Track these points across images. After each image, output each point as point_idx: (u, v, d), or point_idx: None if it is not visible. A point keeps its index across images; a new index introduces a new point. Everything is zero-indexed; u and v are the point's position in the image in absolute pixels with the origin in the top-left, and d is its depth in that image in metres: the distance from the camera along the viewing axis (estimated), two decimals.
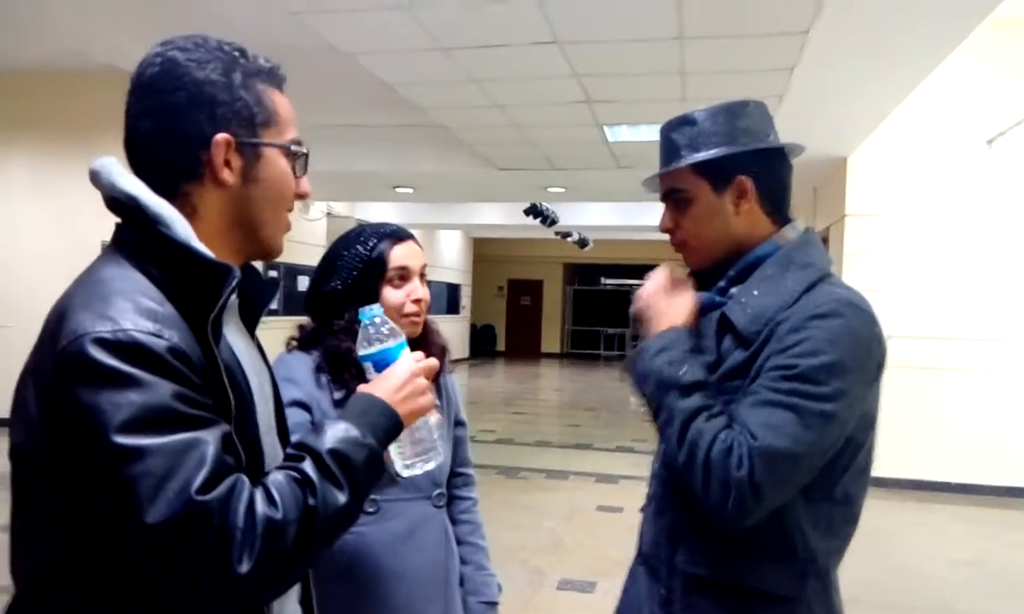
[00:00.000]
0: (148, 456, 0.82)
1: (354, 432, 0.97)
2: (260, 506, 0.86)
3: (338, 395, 1.55)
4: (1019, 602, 4.38)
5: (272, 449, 1.07)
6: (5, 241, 8.03)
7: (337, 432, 0.96)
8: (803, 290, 1.27)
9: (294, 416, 1.46)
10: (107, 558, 0.88)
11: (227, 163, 0.98)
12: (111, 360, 0.83)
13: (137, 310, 0.88)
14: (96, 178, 0.99)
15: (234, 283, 0.95)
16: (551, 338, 22.34)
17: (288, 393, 1.48)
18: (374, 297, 1.58)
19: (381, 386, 1.06)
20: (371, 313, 1.14)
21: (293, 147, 1.04)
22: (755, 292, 1.30)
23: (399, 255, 1.62)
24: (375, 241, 1.62)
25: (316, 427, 0.99)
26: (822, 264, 1.34)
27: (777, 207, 1.37)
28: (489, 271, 21.42)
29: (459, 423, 1.81)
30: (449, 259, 18.16)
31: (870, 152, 6.99)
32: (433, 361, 1.13)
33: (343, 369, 1.55)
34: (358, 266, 1.60)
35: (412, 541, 1.62)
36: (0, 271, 7.92)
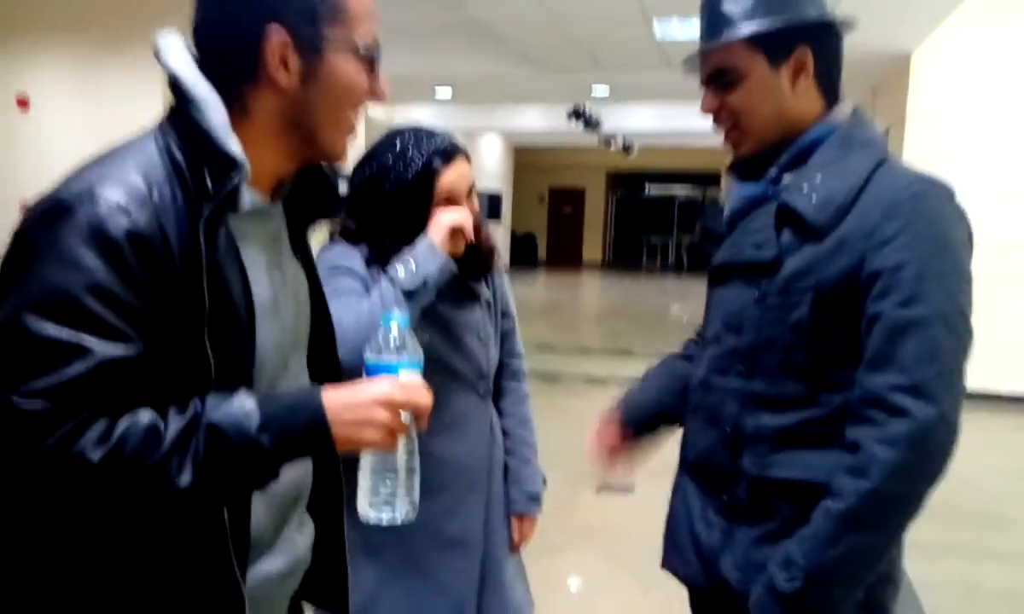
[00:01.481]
0: (19, 335, 0.79)
1: (252, 422, 0.84)
2: (85, 439, 0.79)
3: None
4: None
5: (286, 367, 1.01)
6: (44, 148, 8.10)
7: (235, 411, 0.84)
8: (871, 170, 1.18)
9: (345, 281, 1.49)
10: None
11: (284, 63, 0.90)
12: (56, 225, 0.81)
13: (123, 180, 0.85)
14: (157, 55, 0.93)
15: (235, 180, 0.88)
16: (593, 247, 22.15)
17: (352, 263, 1.52)
18: (422, 221, 1.53)
19: (338, 396, 0.90)
20: (389, 318, 0.99)
21: (362, 47, 0.94)
22: (818, 177, 1.20)
23: (448, 181, 1.55)
24: (421, 161, 1.53)
25: (233, 392, 0.87)
26: (882, 143, 1.25)
27: (831, 86, 1.26)
28: (530, 179, 21.13)
29: (505, 315, 1.80)
30: (490, 166, 17.92)
31: (936, 49, 6.59)
32: (422, 397, 0.95)
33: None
34: (404, 185, 1.53)
35: (456, 430, 1.63)
36: (41, 177, 7.99)
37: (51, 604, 0.88)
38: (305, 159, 1.00)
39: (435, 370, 1.66)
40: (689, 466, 1.40)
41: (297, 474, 1.06)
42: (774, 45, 1.22)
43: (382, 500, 0.97)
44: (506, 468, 1.77)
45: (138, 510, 0.83)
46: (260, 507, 0.97)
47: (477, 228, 1.67)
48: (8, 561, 0.88)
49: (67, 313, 0.79)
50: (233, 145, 0.89)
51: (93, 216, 0.81)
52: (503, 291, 1.80)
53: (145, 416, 0.83)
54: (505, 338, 1.80)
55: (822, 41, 1.24)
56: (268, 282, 0.98)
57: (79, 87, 7.98)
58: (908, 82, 6.76)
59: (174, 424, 0.83)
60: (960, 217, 1.18)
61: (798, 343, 1.20)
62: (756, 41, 1.22)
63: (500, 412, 1.78)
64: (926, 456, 1.10)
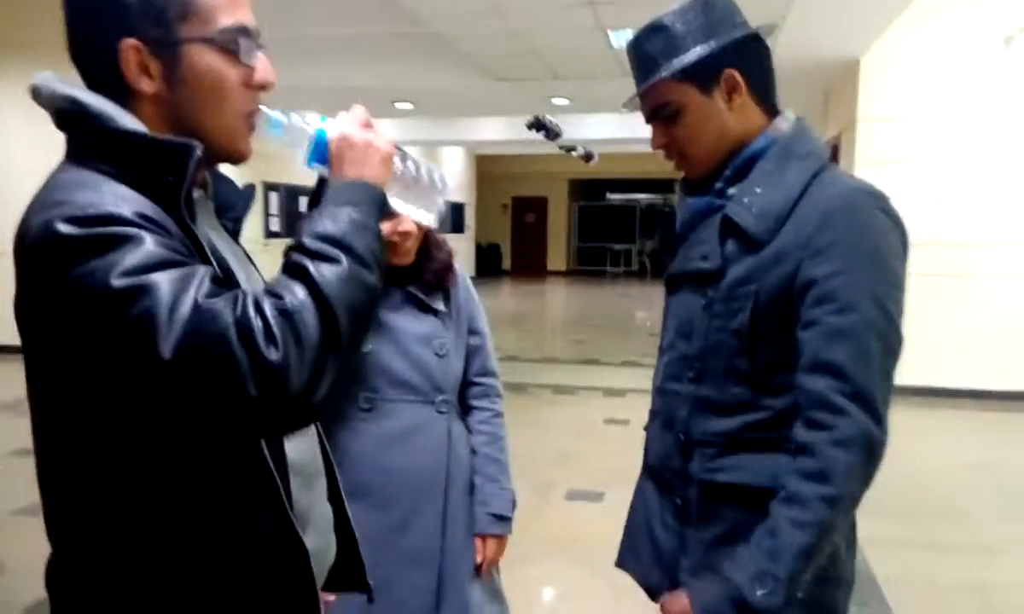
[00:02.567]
0: (154, 288, 0.78)
1: (322, 212, 0.91)
2: (266, 302, 0.81)
3: None
4: None
5: None
6: (1, 166, 7.93)
7: (313, 226, 0.89)
8: (807, 181, 1.23)
9: None
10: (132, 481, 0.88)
11: (145, 69, 0.90)
12: (84, 230, 0.80)
13: (95, 192, 0.84)
14: (38, 95, 0.92)
15: (197, 154, 0.89)
16: (557, 255, 22.26)
17: None
18: None
19: (342, 162, 0.97)
20: (274, 122, 1.00)
21: (219, 36, 0.92)
22: (757, 189, 1.25)
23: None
24: None
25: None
26: (821, 152, 1.29)
27: (767, 96, 1.31)
28: (493, 189, 21.18)
29: (472, 332, 1.80)
30: (452, 177, 17.93)
31: (883, 54, 6.75)
32: (357, 106, 1.02)
33: None
34: None
35: (409, 442, 1.63)
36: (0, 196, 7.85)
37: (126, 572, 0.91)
38: (212, 159, 0.98)
39: (383, 380, 1.67)
40: (649, 470, 1.43)
41: (310, 447, 1.09)
42: (700, 74, 1.26)
43: (432, 196, 1.10)
44: (474, 486, 1.76)
45: (337, 319, 0.85)
46: (293, 481, 1.00)
47: (429, 241, 1.70)
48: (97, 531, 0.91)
49: (162, 260, 0.81)
50: (167, 135, 0.90)
51: (102, 212, 0.81)
52: (470, 307, 1.80)
53: (265, 286, 0.87)
54: (473, 355, 1.80)
55: (747, 57, 1.28)
56: (236, 261, 1.01)
57: (26, 104, 7.81)
58: (858, 87, 6.92)
59: (292, 260, 0.87)
60: (893, 225, 1.21)
61: (740, 349, 1.24)
62: (682, 74, 1.26)
63: (469, 429, 1.78)
64: (870, 457, 1.15)
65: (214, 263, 0.90)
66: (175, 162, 0.88)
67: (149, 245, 0.81)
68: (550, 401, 6.64)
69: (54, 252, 0.80)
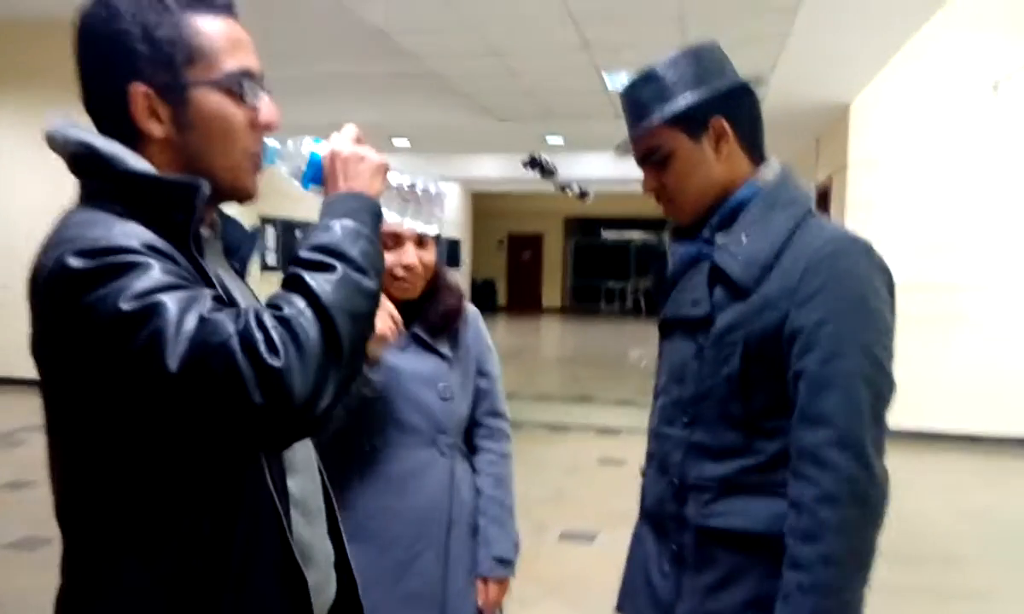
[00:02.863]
0: (161, 309, 0.80)
1: (317, 226, 0.92)
2: (266, 314, 0.83)
3: None
4: None
5: None
6: (1, 200, 7.95)
7: (310, 240, 0.91)
8: (792, 229, 1.26)
9: None
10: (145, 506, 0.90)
11: (154, 113, 0.93)
12: (94, 262, 0.82)
13: (107, 228, 0.86)
14: (53, 141, 0.96)
15: (204, 192, 0.92)
16: (552, 292, 22.31)
17: None
18: None
19: (338, 177, 0.99)
20: (273, 152, 1.03)
21: (224, 79, 0.95)
22: (743, 238, 1.27)
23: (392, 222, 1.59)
24: None
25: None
26: (804, 200, 1.32)
27: (754, 144, 1.34)
28: (489, 225, 21.29)
29: (482, 374, 1.80)
30: (448, 213, 18.03)
31: (873, 98, 6.87)
32: (349, 125, 1.05)
33: None
34: None
35: (411, 483, 1.63)
36: None
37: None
38: (219, 198, 1.01)
39: (385, 421, 1.66)
40: (646, 514, 1.43)
41: (311, 482, 1.10)
42: (688, 121, 1.29)
43: (424, 214, 1.11)
44: (477, 528, 1.74)
45: (339, 326, 0.86)
46: (296, 515, 1.01)
47: (439, 283, 1.71)
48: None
49: (169, 285, 0.83)
50: (175, 175, 0.93)
51: (112, 244, 0.84)
52: (480, 349, 1.80)
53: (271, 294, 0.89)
54: (482, 397, 1.79)
55: (735, 106, 1.31)
56: (242, 299, 1.03)
57: (37, 141, 7.85)
58: (848, 131, 7.02)
59: (290, 274, 0.88)
60: (879, 271, 1.23)
61: (732, 394, 1.25)
62: (672, 121, 1.30)
63: (475, 470, 1.77)
64: (864, 507, 1.15)
65: (220, 291, 0.92)
66: (183, 200, 0.91)
67: (156, 271, 0.83)
68: (544, 439, 6.62)
69: (66, 284, 0.83)
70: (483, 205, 20.40)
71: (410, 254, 1.62)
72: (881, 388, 1.18)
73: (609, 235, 23.74)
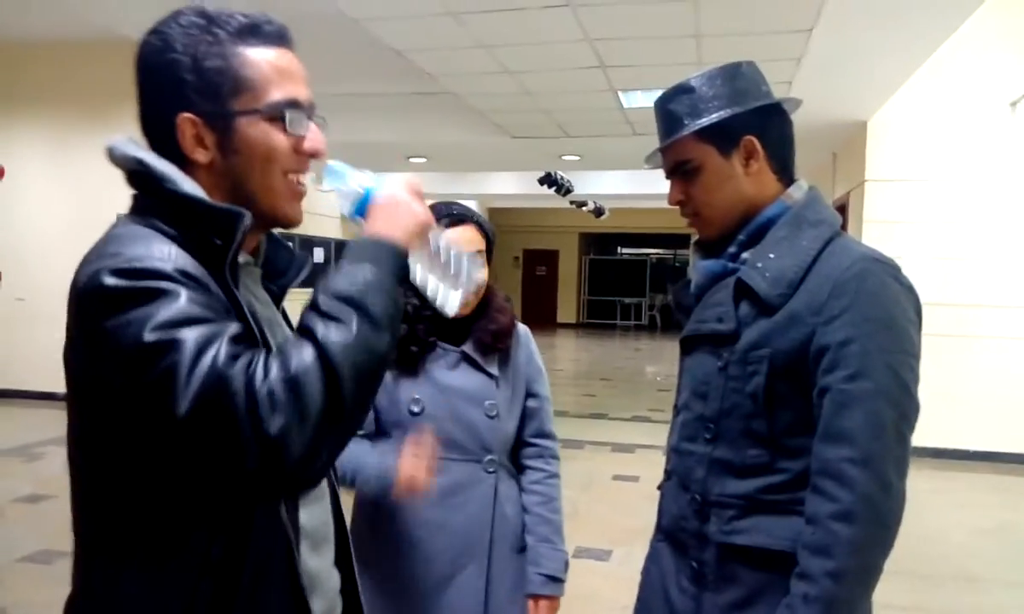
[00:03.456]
0: (181, 345, 0.83)
1: (349, 273, 0.91)
2: (274, 366, 0.84)
3: None
4: None
5: None
6: (19, 215, 8.08)
7: (328, 284, 0.91)
8: (820, 248, 1.26)
9: None
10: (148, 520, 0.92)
11: (200, 140, 0.97)
12: (127, 283, 0.86)
13: (146, 248, 0.90)
14: (111, 154, 1.00)
15: (246, 222, 0.95)
16: (567, 308, 22.30)
17: None
18: None
19: (378, 217, 0.99)
20: (334, 171, 1.05)
21: (268, 109, 0.97)
22: (771, 255, 1.28)
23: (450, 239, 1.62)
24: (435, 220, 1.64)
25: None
26: (833, 220, 1.32)
27: (784, 165, 1.35)
28: (504, 241, 21.33)
29: (532, 395, 1.82)
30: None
31: (890, 116, 6.86)
32: (411, 175, 1.05)
33: None
34: None
35: (454, 499, 1.65)
36: (15, 245, 7.98)
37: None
38: (263, 226, 1.04)
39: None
40: (664, 531, 1.43)
41: (322, 512, 1.11)
42: (721, 136, 1.31)
43: (457, 278, 1.09)
44: (527, 547, 1.76)
45: (344, 384, 0.86)
46: (303, 544, 1.03)
47: (491, 302, 1.74)
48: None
49: (192, 319, 0.85)
50: (221, 202, 0.96)
51: (146, 267, 0.87)
52: (530, 370, 1.82)
53: (281, 342, 0.90)
54: (531, 417, 1.81)
55: (766, 126, 1.33)
56: (269, 331, 1.04)
57: (54, 157, 8.02)
58: (865, 149, 7.01)
59: (302, 321, 0.89)
60: (906, 293, 1.24)
61: (757, 411, 1.25)
62: (704, 134, 1.31)
63: (523, 489, 1.79)
64: (879, 526, 1.16)
65: (252, 324, 0.94)
66: (225, 227, 0.94)
67: (183, 301, 0.86)
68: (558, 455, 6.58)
69: (98, 301, 0.87)
70: (499, 221, 20.44)
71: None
72: (906, 409, 1.18)
73: (625, 251, 23.73)
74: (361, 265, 0.92)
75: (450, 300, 1.10)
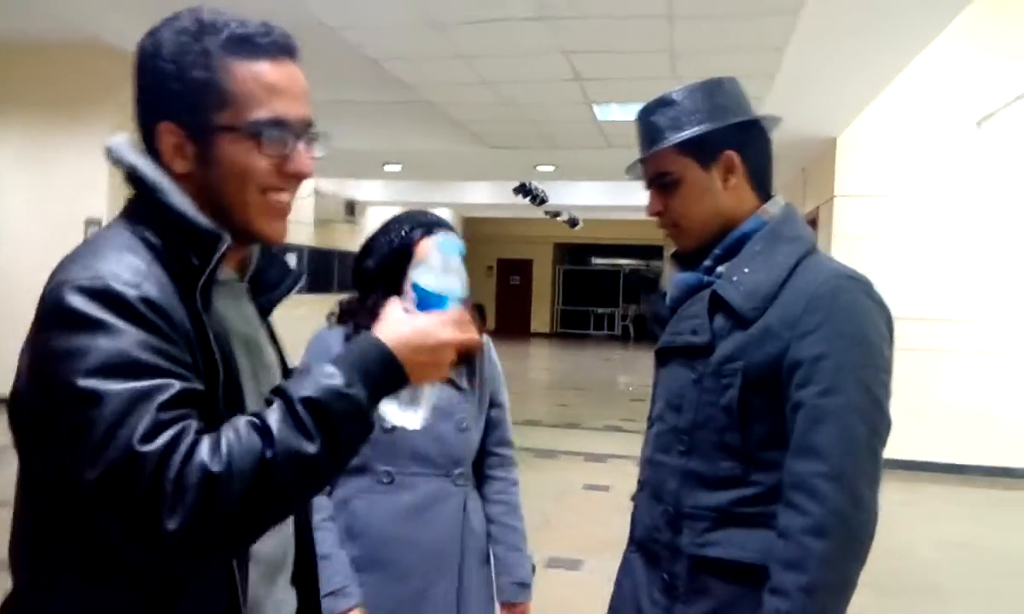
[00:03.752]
0: (106, 401, 0.81)
1: (337, 380, 0.87)
2: (200, 456, 0.80)
3: None
4: (1010, 582, 4.41)
5: None
6: None
7: (319, 378, 0.87)
8: (794, 264, 1.28)
9: None
10: (80, 524, 0.89)
11: (180, 151, 0.96)
12: (83, 305, 0.84)
13: (119, 262, 0.88)
14: (109, 154, 0.99)
15: (223, 248, 0.94)
16: (541, 317, 22.34)
17: None
18: (398, 283, 1.59)
19: (402, 332, 0.93)
20: (448, 245, 1.00)
21: (249, 127, 0.94)
22: (746, 269, 1.29)
23: (426, 248, 1.61)
24: (408, 229, 1.65)
25: (303, 370, 0.93)
26: (808, 237, 1.35)
27: (762, 181, 1.37)
28: (479, 250, 21.33)
29: (495, 405, 1.82)
30: None
31: (860, 132, 6.98)
32: (475, 337, 1.00)
33: None
34: (388, 252, 1.65)
35: (426, 514, 1.64)
36: None
37: None
38: (244, 241, 1.01)
39: (404, 454, 1.69)
40: (636, 542, 1.44)
41: (282, 539, 1.08)
42: (701, 150, 1.33)
43: (405, 406, 1.02)
44: (493, 556, 1.77)
45: (280, 496, 0.84)
46: (252, 572, 0.99)
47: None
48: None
49: (133, 369, 0.82)
50: (206, 220, 0.95)
51: (109, 290, 0.85)
52: (493, 380, 1.82)
53: (237, 420, 0.85)
54: (494, 427, 1.81)
55: (746, 141, 1.35)
56: (245, 352, 1.03)
57: (24, 160, 7.88)
58: (835, 164, 7.12)
59: (272, 414, 0.84)
60: (878, 310, 1.26)
61: (730, 424, 1.27)
62: (685, 148, 1.33)
63: (486, 499, 1.79)
64: (851, 540, 1.17)
65: (215, 351, 0.92)
66: (203, 247, 0.93)
67: (130, 343, 0.83)
68: (530, 465, 6.59)
69: (55, 313, 0.86)
70: (474, 230, 20.46)
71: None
72: (877, 424, 1.20)
73: (598, 262, 23.84)
74: (363, 383, 0.88)
75: (409, 413, 1.03)
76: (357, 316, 1.64)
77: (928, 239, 6.88)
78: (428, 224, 1.67)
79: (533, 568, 1.82)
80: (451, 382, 1.71)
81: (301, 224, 10.66)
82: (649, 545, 1.38)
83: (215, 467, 0.80)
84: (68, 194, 7.67)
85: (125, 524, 0.81)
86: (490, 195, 14.00)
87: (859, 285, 1.26)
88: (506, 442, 1.86)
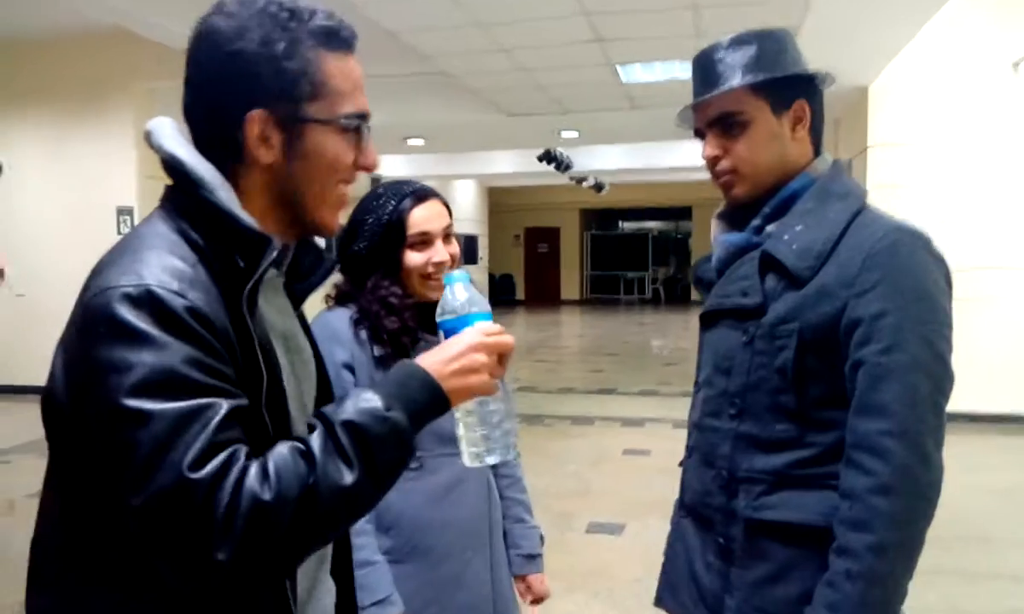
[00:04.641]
0: (152, 422, 0.78)
1: (376, 403, 0.87)
2: (250, 484, 0.79)
3: (378, 352, 1.56)
4: None
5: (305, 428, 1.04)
6: (21, 210, 8.08)
7: (359, 402, 0.87)
8: (848, 220, 1.25)
9: (344, 377, 1.52)
10: (105, 529, 0.87)
11: (266, 139, 0.93)
12: (128, 315, 0.81)
13: (163, 267, 0.85)
14: (149, 138, 0.95)
15: (273, 255, 0.91)
16: (570, 284, 22.30)
17: (335, 354, 1.52)
18: (396, 262, 1.59)
19: (432, 356, 0.95)
20: (452, 278, 1.05)
21: (343, 121, 0.95)
22: (797, 227, 1.26)
23: (419, 219, 1.60)
24: (395, 203, 1.60)
25: (343, 396, 0.92)
26: (859, 192, 1.31)
27: (819, 137, 1.34)
28: (505, 220, 21.31)
29: None
30: (465, 210, 18.08)
31: (892, 80, 6.80)
32: (507, 339, 1.00)
33: (379, 328, 1.56)
34: (379, 231, 1.60)
35: (454, 494, 1.63)
36: (16, 240, 7.99)
37: None
38: (298, 232, 1.01)
39: (430, 438, 1.69)
40: (687, 507, 1.42)
41: None
42: (777, 94, 1.28)
43: (486, 446, 1.03)
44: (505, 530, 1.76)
45: (315, 527, 0.84)
46: (301, 575, 0.99)
47: None
48: None
49: (180, 387, 0.80)
50: (254, 222, 0.92)
51: (155, 299, 0.82)
52: None
53: (282, 446, 0.84)
54: None
55: (815, 95, 1.32)
56: (284, 350, 1.02)
57: (52, 151, 8.01)
58: (867, 114, 6.96)
59: (313, 438, 0.84)
60: (937, 263, 1.22)
61: (785, 386, 1.24)
62: (761, 90, 1.28)
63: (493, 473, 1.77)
64: (918, 498, 1.15)
65: (259, 356, 0.90)
66: (251, 251, 0.91)
67: (175, 359, 0.81)
68: (567, 432, 6.62)
69: (102, 323, 0.83)
70: (499, 200, 20.42)
71: (440, 251, 1.60)
72: (941, 380, 1.18)
73: (626, 226, 23.68)
74: (402, 406, 0.89)
75: (476, 460, 1.05)
76: (360, 299, 1.59)
77: (965, 186, 6.71)
78: (413, 193, 1.61)
79: (542, 539, 1.82)
80: None
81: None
82: (701, 510, 1.36)
83: (265, 495, 0.79)
84: (98, 183, 7.78)
85: (171, 552, 0.79)
86: (515, 164, 13.92)
87: (917, 239, 1.22)
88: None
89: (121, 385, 0.79)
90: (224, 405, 0.82)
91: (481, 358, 0.96)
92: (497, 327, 1.00)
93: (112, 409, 0.80)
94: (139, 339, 0.81)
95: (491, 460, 1.04)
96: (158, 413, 0.79)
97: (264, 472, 0.81)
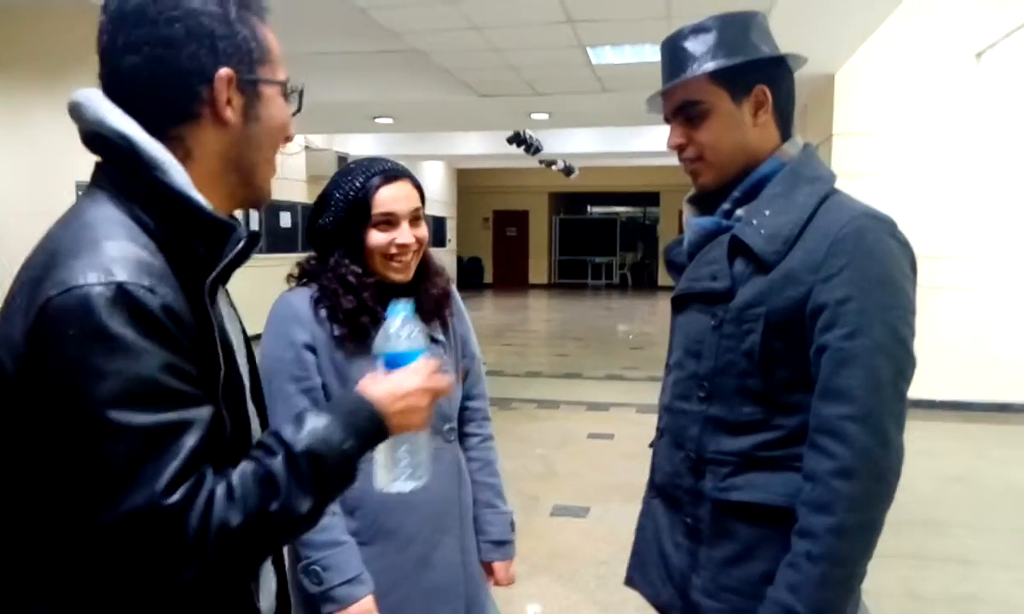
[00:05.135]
0: (128, 436, 0.77)
1: (336, 434, 0.90)
2: (218, 510, 0.81)
3: (337, 331, 1.54)
4: (1008, 517, 4.47)
5: (251, 415, 1.03)
6: None
7: (317, 430, 0.89)
8: (816, 205, 1.25)
9: (305, 358, 1.52)
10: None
11: (230, 101, 0.92)
12: (103, 318, 0.77)
13: (129, 259, 0.82)
14: (78, 111, 0.90)
15: (239, 244, 0.90)
16: (538, 269, 22.31)
17: (295, 335, 1.52)
18: (359, 240, 1.56)
19: (380, 388, 0.98)
20: (395, 311, 1.09)
21: (283, 82, 0.98)
22: (766, 212, 1.26)
23: (384, 199, 1.56)
24: (362, 180, 1.56)
25: (298, 417, 0.91)
26: (828, 177, 1.31)
27: (786, 121, 1.34)
28: (474, 202, 21.23)
29: (467, 356, 1.77)
30: (433, 191, 17.97)
31: (858, 68, 6.87)
32: (447, 380, 1.07)
33: (336, 308, 1.54)
34: (344, 207, 1.56)
35: None
36: None
37: None
38: (240, 202, 0.99)
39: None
40: (657, 488, 1.44)
41: None
42: (735, 81, 1.28)
43: (406, 473, 1.10)
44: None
45: (272, 545, 0.90)
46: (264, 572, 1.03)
47: (428, 265, 1.67)
48: None
49: (156, 397, 0.79)
50: (210, 206, 0.89)
51: (129, 300, 0.79)
52: (464, 330, 1.77)
53: (246, 467, 0.87)
54: (466, 380, 1.76)
55: (778, 78, 1.31)
56: (230, 331, 1.00)
57: (10, 124, 7.77)
58: (833, 101, 7.02)
59: (275, 464, 0.87)
60: (902, 249, 1.23)
61: (752, 369, 1.25)
62: (719, 77, 1.28)
63: (464, 456, 1.76)
64: (879, 482, 1.16)
65: (220, 354, 0.90)
66: (214, 238, 0.89)
67: (152, 366, 0.79)
68: (533, 416, 6.63)
69: (68, 325, 0.78)
70: (468, 182, 20.32)
71: (405, 233, 1.57)
72: (903, 365, 1.19)
73: (595, 210, 23.73)
74: (347, 441, 0.92)
75: (393, 485, 1.11)
76: (321, 278, 1.56)
77: (928, 175, 6.82)
78: (383, 172, 1.58)
79: (513, 524, 1.79)
80: (430, 336, 1.66)
81: (294, 181, 10.56)
82: (670, 490, 1.38)
83: (233, 522, 0.82)
84: (56, 157, 7.57)
85: (138, 569, 0.81)
86: (484, 146, 13.85)
87: (883, 225, 1.23)
88: (479, 394, 1.80)
89: (96, 394, 0.76)
90: (196, 419, 0.82)
91: (425, 402, 1.02)
92: (437, 363, 1.07)
93: (85, 419, 0.77)
94: (115, 344, 0.77)
95: (401, 487, 1.10)
96: (135, 428, 0.77)
97: (230, 496, 0.83)
